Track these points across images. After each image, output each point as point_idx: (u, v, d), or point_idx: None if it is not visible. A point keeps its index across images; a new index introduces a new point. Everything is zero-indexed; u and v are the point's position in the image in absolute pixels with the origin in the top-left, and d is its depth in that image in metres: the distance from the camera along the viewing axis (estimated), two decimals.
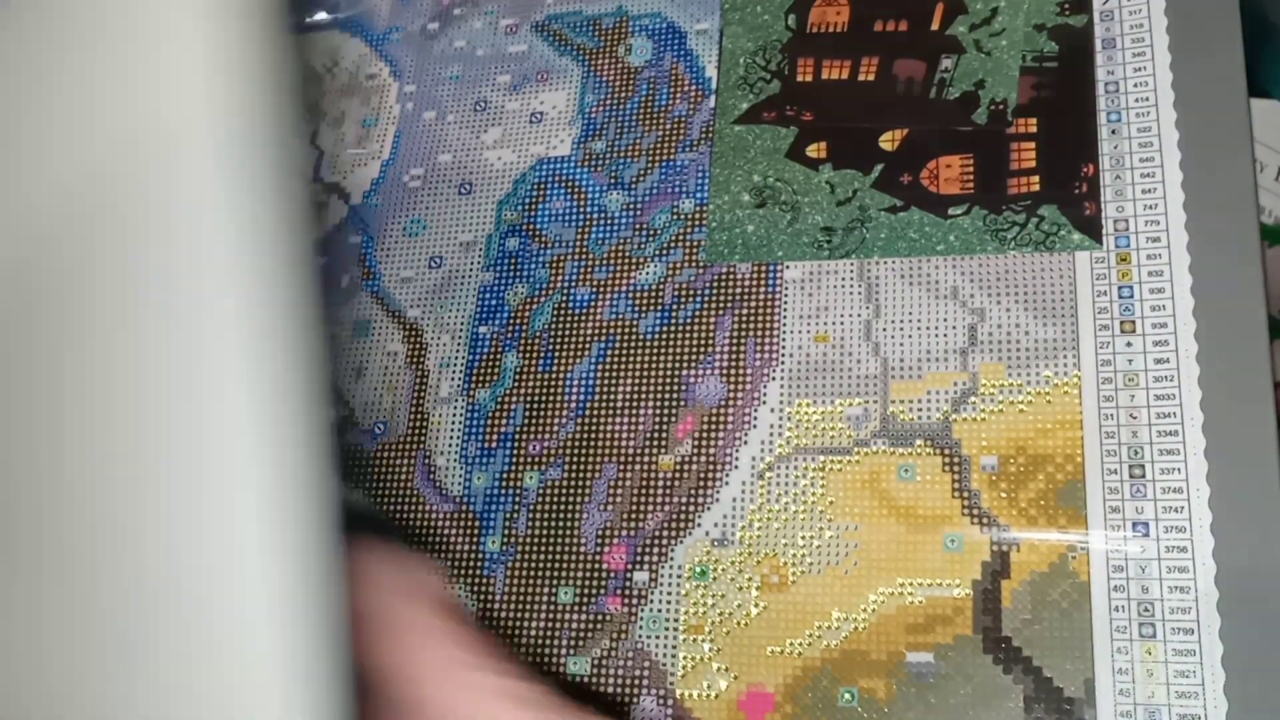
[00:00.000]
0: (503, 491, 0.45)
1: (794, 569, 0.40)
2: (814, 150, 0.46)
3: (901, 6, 0.47)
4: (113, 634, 0.31)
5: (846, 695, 0.38)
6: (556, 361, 0.47)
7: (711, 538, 0.42)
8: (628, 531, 0.43)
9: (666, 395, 0.45)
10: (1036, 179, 0.43)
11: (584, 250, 0.48)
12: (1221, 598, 0.36)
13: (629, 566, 0.43)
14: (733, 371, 0.44)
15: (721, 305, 0.45)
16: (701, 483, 0.43)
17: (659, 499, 0.43)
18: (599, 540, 0.43)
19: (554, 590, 0.43)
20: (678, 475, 0.44)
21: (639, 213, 0.48)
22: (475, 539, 0.45)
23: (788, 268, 0.45)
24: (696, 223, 0.47)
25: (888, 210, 0.44)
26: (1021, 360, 0.41)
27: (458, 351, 0.48)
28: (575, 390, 0.46)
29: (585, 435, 0.45)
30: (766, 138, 0.47)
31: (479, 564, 0.44)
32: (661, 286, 0.47)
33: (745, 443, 0.43)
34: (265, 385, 0.29)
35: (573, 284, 0.48)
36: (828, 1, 0.49)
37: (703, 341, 0.45)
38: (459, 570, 0.44)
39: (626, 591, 0.42)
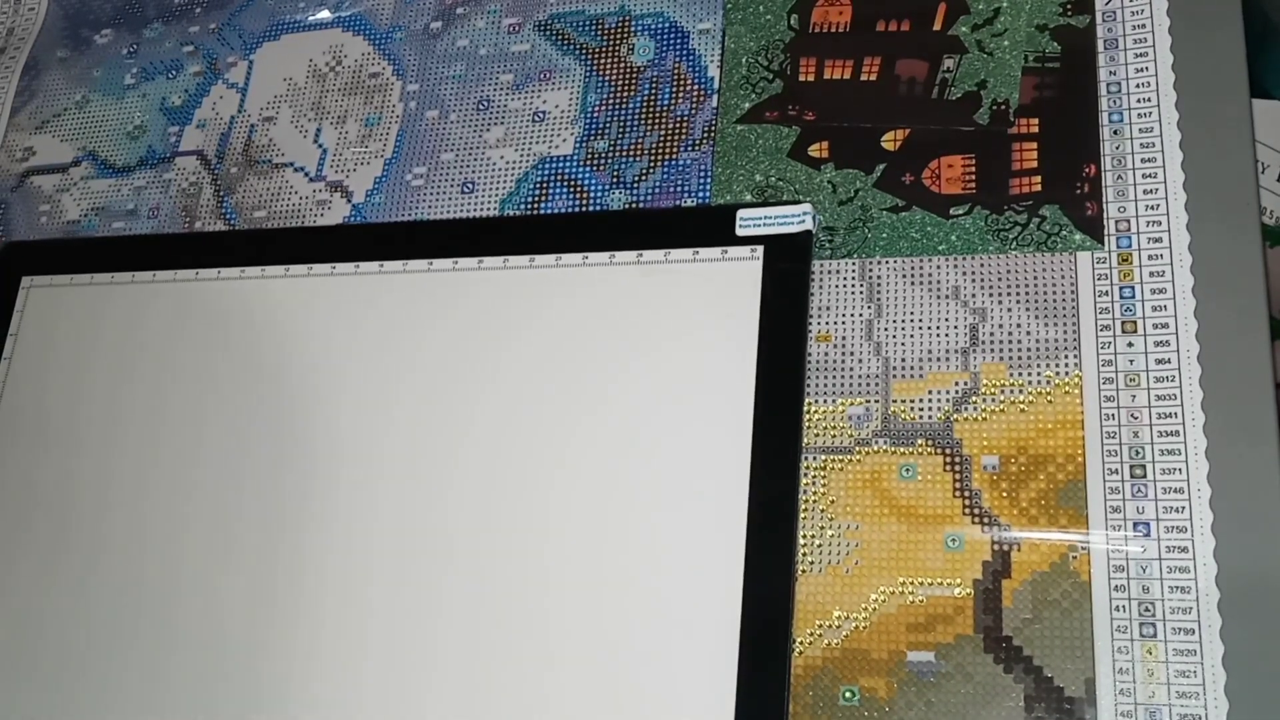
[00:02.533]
0: None
1: (795, 567, 0.40)
2: (816, 150, 0.46)
3: (904, 6, 0.47)
4: None
5: (848, 693, 0.38)
6: None
7: None
8: None
9: None
10: (1038, 179, 0.43)
11: None
12: (1223, 598, 0.36)
13: None
14: None
15: None
16: None
17: None
18: None
19: None
20: None
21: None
22: None
23: None
24: None
25: (889, 210, 0.44)
26: (1023, 360, 0.41)
27: None
28: None
29: None
30: (769, 137, 0.47)
31: None
32: None
33: None
34: None
35: None
36: (830, 1, 0.49)
37: None
38: None
39: None
